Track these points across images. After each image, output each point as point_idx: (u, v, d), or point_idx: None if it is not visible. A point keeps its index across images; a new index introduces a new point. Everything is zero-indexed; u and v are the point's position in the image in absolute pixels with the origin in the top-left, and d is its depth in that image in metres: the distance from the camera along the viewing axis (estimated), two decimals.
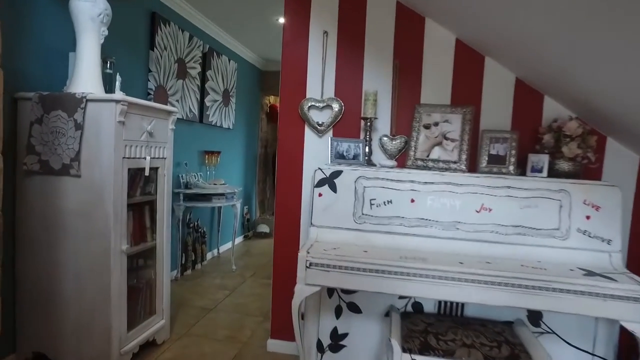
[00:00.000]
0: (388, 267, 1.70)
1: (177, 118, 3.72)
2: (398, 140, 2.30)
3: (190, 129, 4.01)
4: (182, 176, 3.79)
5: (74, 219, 1.99)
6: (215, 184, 3.94)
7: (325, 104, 2.36)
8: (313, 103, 2.37)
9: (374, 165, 2.23)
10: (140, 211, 2.34)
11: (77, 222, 1.99)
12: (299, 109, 2.39)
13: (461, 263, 1.71)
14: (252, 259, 4.65)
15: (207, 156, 4.23)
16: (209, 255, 4.54)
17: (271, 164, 6.31)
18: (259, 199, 6.10)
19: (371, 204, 2.03)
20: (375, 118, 2.26)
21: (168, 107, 2.41)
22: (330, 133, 2.38)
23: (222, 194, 3.89)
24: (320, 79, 2.37)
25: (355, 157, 2.19)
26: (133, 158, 2.11)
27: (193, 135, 4.06)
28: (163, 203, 2.43)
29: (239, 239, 5.29)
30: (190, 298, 3.32)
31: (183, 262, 3.89)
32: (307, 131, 2.40)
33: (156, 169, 2.37)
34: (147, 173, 2.20)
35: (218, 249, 4.72)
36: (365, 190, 2.04)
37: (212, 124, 4.38)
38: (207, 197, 3.84)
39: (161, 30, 3.35)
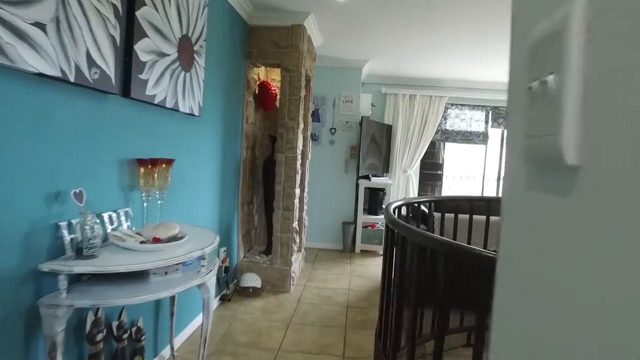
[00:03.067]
0: None
1: (49, 76, 1.36)
2: None
3: (97, 111, 1.73)
4: (65, 228, 1.50)
5: None
6: (157, 239, 1.68)
7: None
8: None
9: None
10: None
11: None
12: None
13: None
14: None
15: (142, 170, 1.96)
16: None
17: (262, 176, 4.06)
18: (242, 230, 3.84)
19: None
20: None
21: None
22: None
23: (175, 265, 1.65)
24: None
25: None
26: None
27: (104, 124, 1.78)
28: None
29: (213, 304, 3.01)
30: None
31: None
32: None
33: None
34: None
35: (171, 344, 2.46)
36: None
37: (156, 102, 2.11)
38: (140, 275, 1.59)
39: None
